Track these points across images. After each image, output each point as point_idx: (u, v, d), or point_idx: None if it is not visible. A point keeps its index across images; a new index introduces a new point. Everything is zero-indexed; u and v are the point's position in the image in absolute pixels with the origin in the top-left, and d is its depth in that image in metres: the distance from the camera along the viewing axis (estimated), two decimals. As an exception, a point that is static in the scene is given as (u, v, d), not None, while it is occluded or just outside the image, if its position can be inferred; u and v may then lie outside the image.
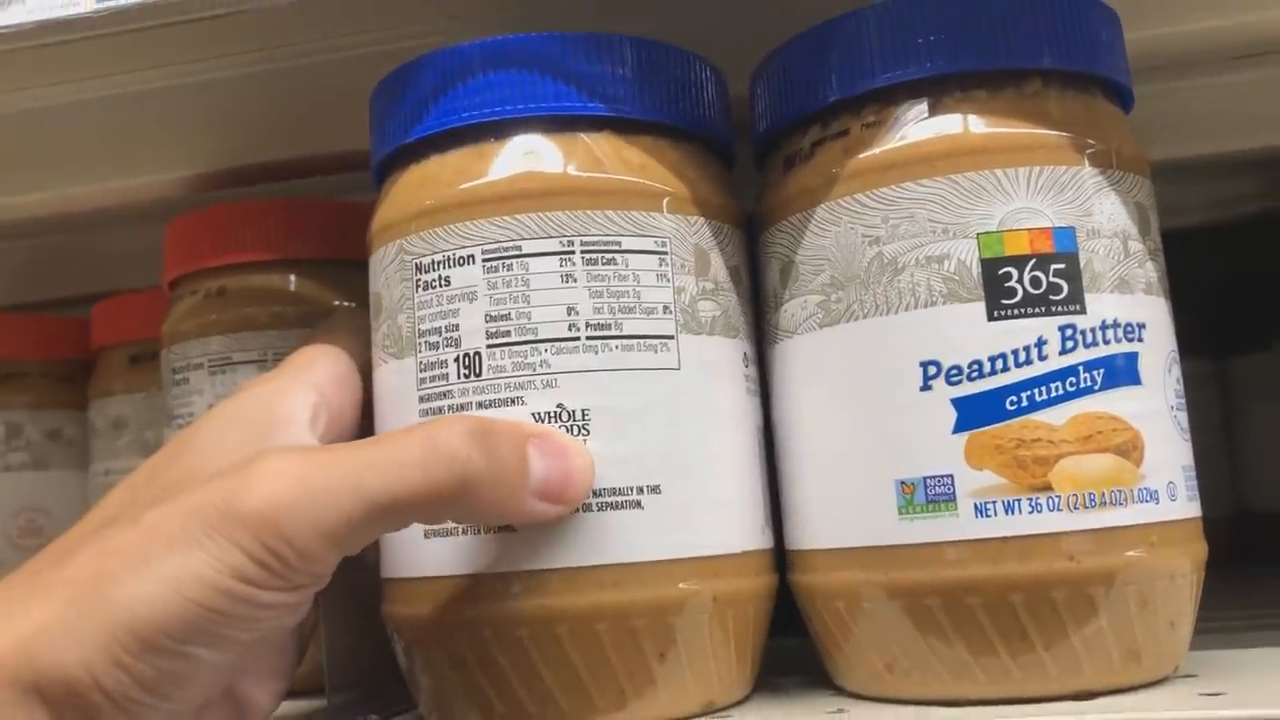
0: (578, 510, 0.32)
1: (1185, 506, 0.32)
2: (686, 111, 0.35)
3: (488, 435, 0.30)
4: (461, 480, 0.29)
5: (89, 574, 0.27)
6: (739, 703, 0.35)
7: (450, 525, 0.32)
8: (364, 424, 0.36)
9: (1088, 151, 0.32)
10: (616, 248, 0.33)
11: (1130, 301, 0.32)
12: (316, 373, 0.34)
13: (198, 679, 0.28)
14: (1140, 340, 0.32)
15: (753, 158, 0.38)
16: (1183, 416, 0.33)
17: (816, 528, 0.34)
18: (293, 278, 0.45)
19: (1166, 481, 0.32)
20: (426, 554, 0.33)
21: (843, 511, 0.33)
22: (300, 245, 0.46)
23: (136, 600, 0.27)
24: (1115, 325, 0.32)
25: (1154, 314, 0.33)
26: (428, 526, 0.33)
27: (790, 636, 0.37)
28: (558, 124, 0.34)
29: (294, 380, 0.34)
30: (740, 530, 0.34)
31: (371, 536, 0.29)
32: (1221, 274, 0.73)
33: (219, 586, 0.27)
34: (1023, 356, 0.31)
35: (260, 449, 0.30)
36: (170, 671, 0.27)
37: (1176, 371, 0.34)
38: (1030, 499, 0.30)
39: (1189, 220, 0.70)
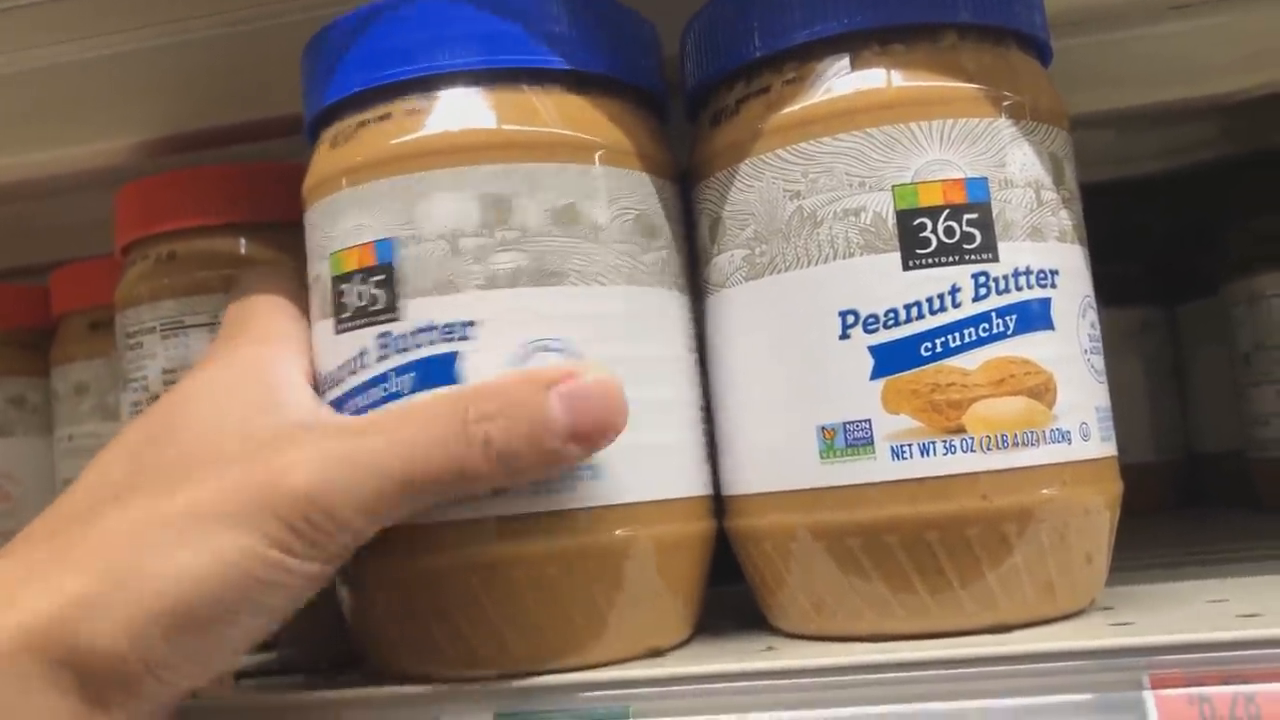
0: None
1: (1099, 446, 0.34)
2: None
3: (505, 401, 0.30)
4: (484, 456, 0.30)
5: (122, 546, 0.28)
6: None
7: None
8: None
9: (1003, 104, 0.33)
10: (558, 201, 0.34)
11: (1043, 249, 0.33)
12: (292, 333, 0.35)
13: (236, 645, 0.30)
14: (1053, 286, 0.33)
15: (685, 113, 0.39)
16: (1097, 360, 0.35)
17: (747, 473, 0.35)
18: (242, 241, 0.46)
19: (1079, 422, 0.33)
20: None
21: (770, 457, 0.34)
22: (249, 209, 0.46)
23: (183, 574, 0.28)
24: (1028, 272, 0.33)
25: (1067, 261, 0.34)
26: None
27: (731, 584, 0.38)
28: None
29: (279, 346, 0.35)
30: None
31: (406, 510, 0.31)
32: (1173, 222, 0.74)
33: (265, 558, 0.29)
34: (937, 304, 0.32)
35: (291, 425, 0.31)
36: (214, 640, 0.29)
37: (1091, 316, 0.35)
38: (945, 441, 0.32)
39: (1143, 169, 0.71)
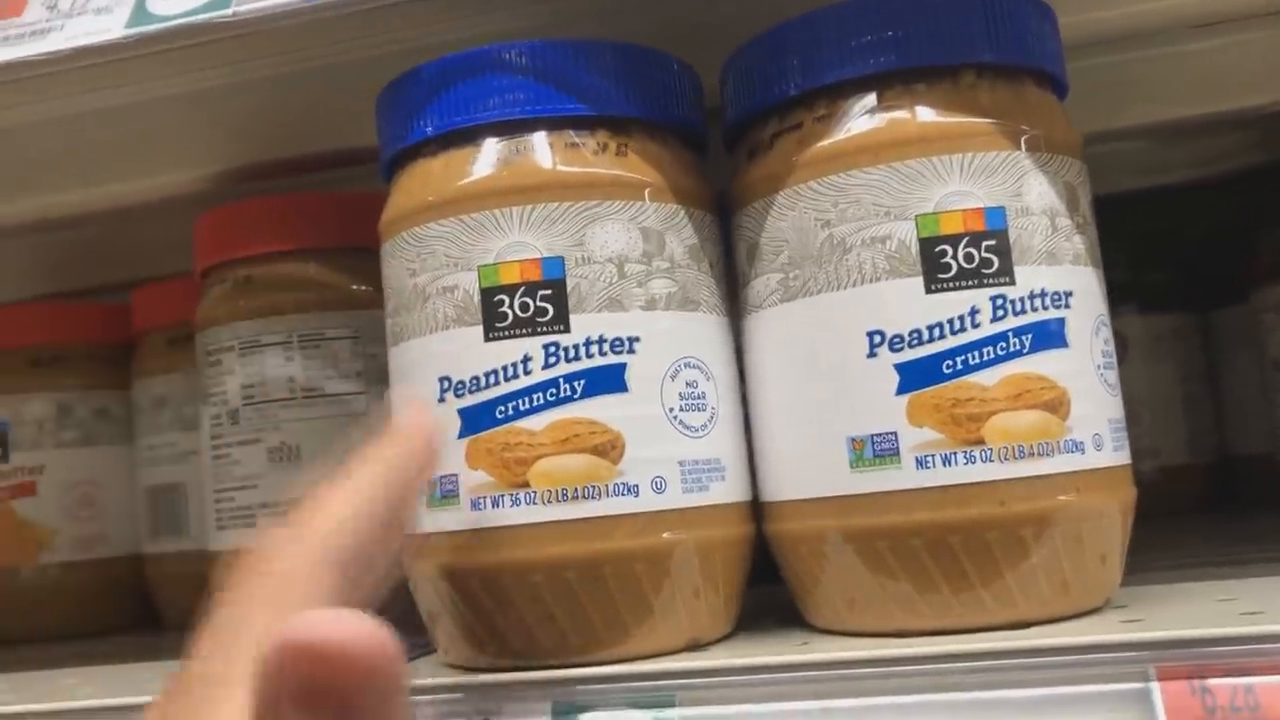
0: None
1: (1112, 456, 0.36)
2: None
3: None
4: None
5: None
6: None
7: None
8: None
9: (1019, 137, 0.36)
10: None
11: (1058, 272, 0.36)
12: None
13: None
14: (1067, 307, 0.36)
15: (722, 143, 0.42)
16: (1111, 374, 0.37)
17: (784, 481, 0.38)
18: (313, 265, 0.50)
19: (1092, 433, 0.35)
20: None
21: (804, 466, 0.37)
22: (318, 235, 0.50)
23: None
24: (1043, 294, 0.35)
25: (1081, 282, 0.36)
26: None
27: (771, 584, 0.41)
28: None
29: None
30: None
31: None
32: (1205, 229, 0.76)
33: None
34: (958, 325, 0.34)
35: None
36: None
37: (1105, 334, 0.37)
38: (965, 451, 0.34)
39: (1176, 178, 0.73)
